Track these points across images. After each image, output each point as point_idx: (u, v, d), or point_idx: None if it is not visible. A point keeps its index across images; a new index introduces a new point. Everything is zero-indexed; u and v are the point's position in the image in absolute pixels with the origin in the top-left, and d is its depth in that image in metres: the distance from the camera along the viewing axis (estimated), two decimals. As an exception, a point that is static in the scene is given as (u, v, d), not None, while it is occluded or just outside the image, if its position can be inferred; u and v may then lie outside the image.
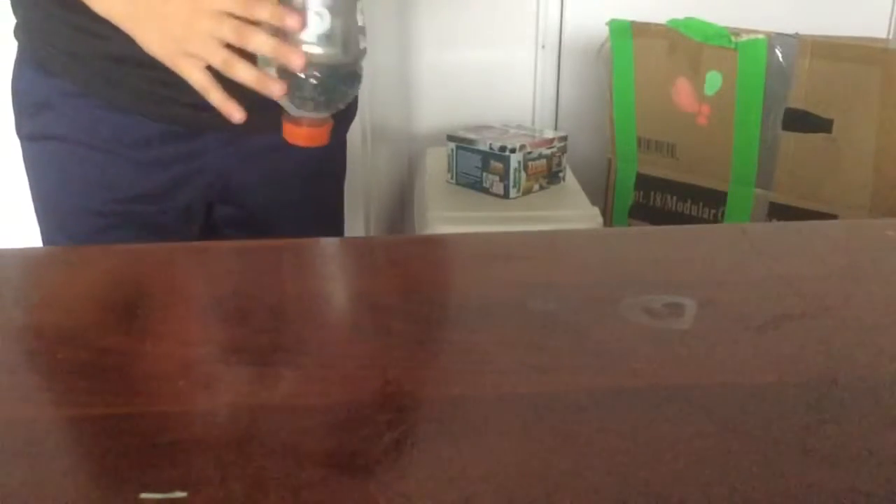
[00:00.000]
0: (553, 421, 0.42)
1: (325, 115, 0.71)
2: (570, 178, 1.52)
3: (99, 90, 0.83)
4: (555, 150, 1.46)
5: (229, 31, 0.69)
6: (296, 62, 0.69)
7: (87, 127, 0.84)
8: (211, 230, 0.95)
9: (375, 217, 1.70)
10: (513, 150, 1.37)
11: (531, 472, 0.38)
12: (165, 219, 0.87)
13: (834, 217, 1.49)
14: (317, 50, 0.67)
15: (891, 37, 1.66)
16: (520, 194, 1.39)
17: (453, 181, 1.44)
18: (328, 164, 1.00)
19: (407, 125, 1.83)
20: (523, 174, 1.39)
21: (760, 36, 1.53)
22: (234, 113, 0.73)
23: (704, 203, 1.66)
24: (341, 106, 0.72)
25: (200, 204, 0.90)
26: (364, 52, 0.72)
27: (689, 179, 1.66)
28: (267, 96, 0.77)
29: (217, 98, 0.73)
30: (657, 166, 1.68)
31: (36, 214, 0.89)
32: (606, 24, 1.57)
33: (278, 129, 0.89)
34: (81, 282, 0.58)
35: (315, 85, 0.68)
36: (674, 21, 1.61)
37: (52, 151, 0.86)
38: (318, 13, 0.67)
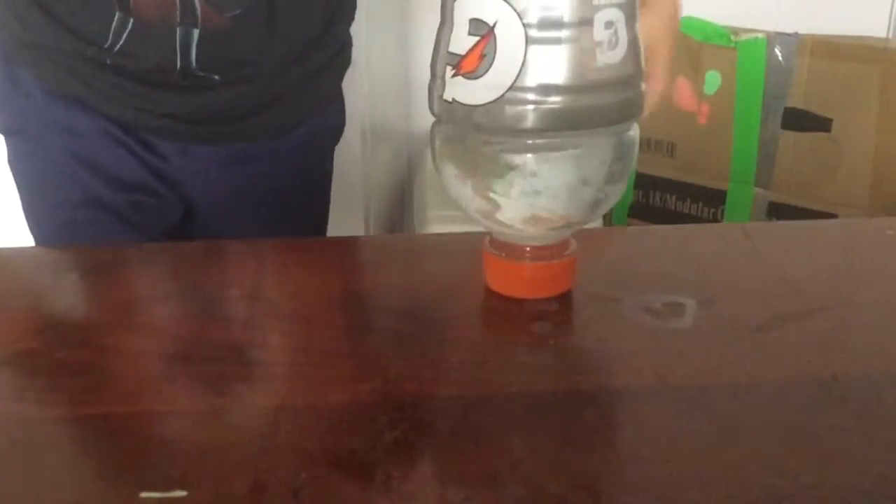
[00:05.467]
0: (553, 420, 0.42)
1: None
2: (569, 177, 1.52)
3: (64, 86, 0.81)
4: (554, 149, 1.46)
5: None
6: None
7: (51, 122, 0.82)
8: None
9: (375, 216, 1.70)
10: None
11: (531, 471, 0.38)
12: (134, 216, 0.83)
13: (833, 216, 1.49)
14: None
15: (891, 36, 1.66)
16: (519, 194, 1.39)
17: (453, 181, 1.44)
18: (306, 179, 0.94)
19: (407, 125, 1.83)
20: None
21: (760, 35, 1.53)
22: None
23: (704, 202, 1.66)
24: None
25: (165, 209, 0.86)
26: None
27: (689, 178, 1.66)
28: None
29: None
30: (656, 165, 1.68)
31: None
32: (606, 23, 1.57)
33: (246, 138, 0.84)
34: (80, 281, 0.58)
35: None
36: (673, 20, 1.60)
37: (20, 144, 0.85)
38: None
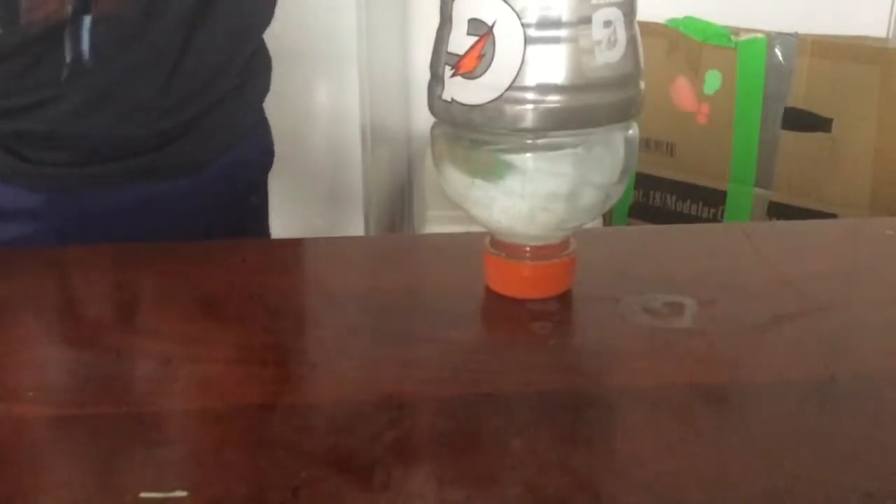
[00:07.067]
0: (553, 421, 0.42)
1: None
2: (569, 177, 1.52)
3: None
4: (554, 149, 1.46)
5: None
6: None
7: None
8: None
9: (375, 217, 1.70)
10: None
11: (531, 471, 0.38)
12: None
13: (834, 216, 1.49)
14: None
15: (890, 36, 1.66)
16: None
17: (453, 181, 1.44)
18: (226, 222, 0.79)
19: (407, 125, 1.83)
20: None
21: (760, 35, 1.53)
22: None
23: (704, 202, 1.66)
24: None
25: None
26: None
27: (689, 179, 1.66)
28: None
29: None
30: (657, 165, 1.68)
31: None
32: (606, 23, 1.57)
33: (145, 178, 0.71)
34: (80, 281, 0.58)
35: None
36: (673, 20, 1.61)
37: None
38: None
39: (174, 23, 0.69)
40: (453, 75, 0.47)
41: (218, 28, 0.72)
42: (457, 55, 0.47)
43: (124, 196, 0.72)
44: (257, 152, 0.83)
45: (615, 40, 0.46)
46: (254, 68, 0.79)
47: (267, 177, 0.86)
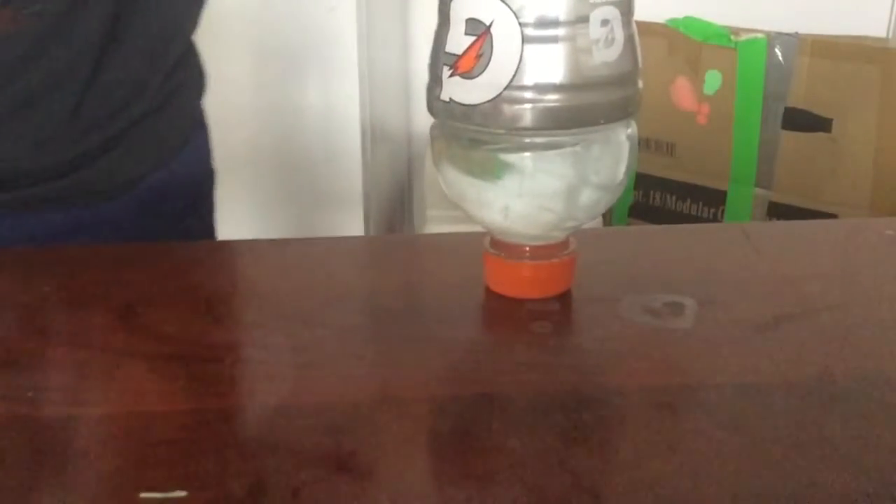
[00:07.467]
0: (552, 420, 0.42)
1: None
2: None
3: None
4: (554, 149, 1.46)
5: None
6: None
7: None
8: None
9: (375, 217, 1.71)
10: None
11: (531, 471, 0.38)
12: None
13: (834, 216, 1.49)
14: None
15: (890, 36, 1.66)
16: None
17: (453, 181, 1.44)
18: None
19: (407, 125, 1.83)
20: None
21: (760, 35, 1.53)
22: None
23: (704, 202, 1.66)
24: None
25: None
26: None
27: (689, 179, 1.66)
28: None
29: None
30: (656, 165, 1.68)
31: None
32: (606, 23, 1.57)
33: (59, 201, 0.66)
34: (79, 281, 0.58)
35: None
36: (673, 20, 1.61)
37: None
38: None
39: (83, 40, 0.63)
40: (451, 75, 0.47)
41: (132, 44, 0.66)
42: (455, 55, 0.47)
43: (41, 223, 0.67)
44: (191, 171, 0.76)
45: (613, 39, 0.46)
46: (181, 79, 0.73)
47: (210, 197, 0.79)
